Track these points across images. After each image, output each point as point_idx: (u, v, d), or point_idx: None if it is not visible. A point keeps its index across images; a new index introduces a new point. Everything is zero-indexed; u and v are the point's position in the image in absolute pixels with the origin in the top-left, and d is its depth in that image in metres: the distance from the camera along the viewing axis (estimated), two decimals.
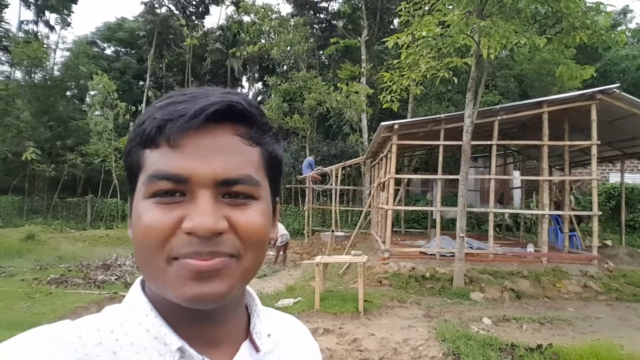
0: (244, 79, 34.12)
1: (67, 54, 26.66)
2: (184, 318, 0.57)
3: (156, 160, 0.54)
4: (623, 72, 21.88)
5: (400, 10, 9.14)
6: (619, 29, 18.20)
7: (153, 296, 0.59)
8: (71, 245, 14.36)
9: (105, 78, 21.91)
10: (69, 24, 30.37)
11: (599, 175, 9.59)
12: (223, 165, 0.54)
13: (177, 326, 0.57)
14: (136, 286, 0.61)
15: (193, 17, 31.20)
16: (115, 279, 8.78)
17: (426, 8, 8.53)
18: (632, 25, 28.56)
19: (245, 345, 0.62)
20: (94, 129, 22.00)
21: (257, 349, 0.62)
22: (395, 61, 9.30)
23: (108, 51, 33.70)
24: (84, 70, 24.75)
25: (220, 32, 31.17)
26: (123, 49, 33.14)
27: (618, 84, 9.74)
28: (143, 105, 25.75)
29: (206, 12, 31.77)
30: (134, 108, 24.62)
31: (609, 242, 11.91)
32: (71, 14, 29.98)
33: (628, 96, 9.42)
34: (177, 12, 28.27)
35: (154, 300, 0.58)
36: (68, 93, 26.93)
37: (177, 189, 0.54)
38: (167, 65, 30.24)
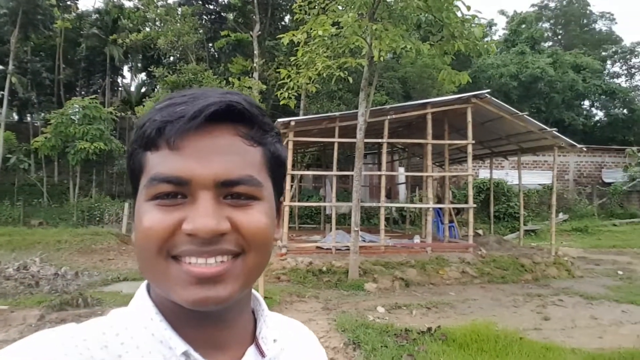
0: (126, 68, 31.89)
1: None
2: (189, 321, 0.57)
3: (157, 162, 0.54)
4: (489, 79, 24.57)
5: (294, 7, 9.23)
6: (487, 39, 20.36)
7: (158, 299, 0.58)
8: None
9: None
10: None
11: (472, 171, 10.63)
12: (223, 166, 0.54)
13: (183, 330, 0.57)
14: (142, 289, 0.61)
15: None
16: None
17: (320, 7, 8.72)
18: (496, 37, 32.20)
19: (251, 350, 0.62)
20: None
21: (262, 354, 0.62)
22: (292, 58, 9.37)
23: None
24: None
25: (98, 16, 28.61)
26: None
27: (488, 90, 10.88)
28: (5, 92, 22.70)
29: None
30: None
31: (480, 232, 13.30)
32: None
33: (496, 101, 10.60)
34: None
35: (159, 303, 0.58)
36: None
37: (178, 191, 0.53)
38: (34, 48, 26.94)
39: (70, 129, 18.07)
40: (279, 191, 0.63)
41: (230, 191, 0.54)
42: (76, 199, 20.30)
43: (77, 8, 29.10)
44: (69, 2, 28.01)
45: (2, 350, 0.50)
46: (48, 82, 27.06)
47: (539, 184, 20.81)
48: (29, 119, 29.59)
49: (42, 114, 26.38)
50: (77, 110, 18.89)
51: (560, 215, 19.11)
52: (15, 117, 31.71)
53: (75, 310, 6.29)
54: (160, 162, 0.54)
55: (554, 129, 10.99)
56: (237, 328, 0.62)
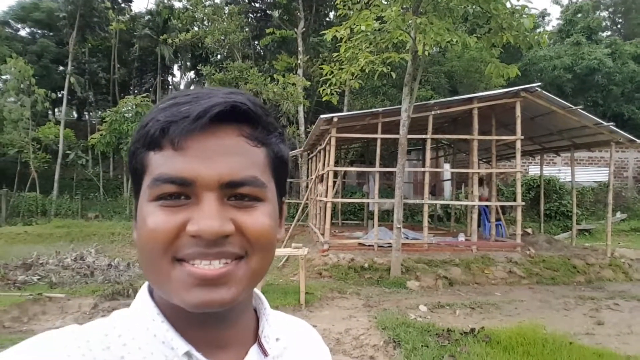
0: (176, 67, 32.92)
1: None
2: (191, 322, 0.57)
3: (160, 162, 0.54)
4: (541, 72, 23.53)
5: (338, 3, 9.19)
6: (538, 30, 19.52)
7: (160, 300, 0.58)
8: None
9: (20, 62, 20.20)
10: None
11: (521, 168, 10.25)
12: (228, 167, 0.54)
13: (185, 330, 0.56)
14: (143, 290, 0.61)
15: (119, 0, 29.50)
16: (38, 279, 8.15)
17: (364, 2, 8.64)
18: (549, 28, 30.81)
19: (254, 349, 0.61)
20: (7, 117, 20.22)
21: (265, 352, 0.61)
22: (335, 54, 9.34)
23: (23, 32, 30.99)
24: None
25: (150, 17, 29.70)
26: (40, 31, 30.59)
27: (539, 83, 10.42)
28: (65, 92, 24.01)
29: None
30: (54, 95, 22.87)
31: (529, 230, 12.81)
32: None
33: (547, 94, 10.13)
34: None
35: (160, 304, 0.58)
36: None
37: (181, 192, 0.53)
38: (91, 50, 28.35)
39: (124, 126, 18.87)
40: (281, 191, 0.63)
41: (234, 192, 0.54)
42: (129, 193, 21.20)
43: (131, 10, 30.34)
44: (123, 5, 29.24)
45: (6, 350, 0.50)
46: (104, 81, 28.41)
47: (595, 181, 19.78)
48: (86, 117, 31.18)
49: (99, 112, 27.71)
50: (130, 108, 19.72)
51: (618, 214, 18.10)
52: (75, 115, 33.51)
53: (126, 300, 6.57)
54: (164, 163, 0.53)
55: (611, 123, 10.39)
56: (240, 327, 0.61)
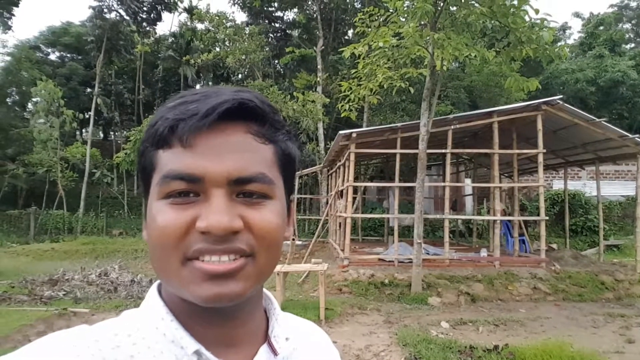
0: (198, 87, 33.57)
1: (8, 58, 25.24)
2: (201, 320, 0.57)
3: (169, 160, 0.54)
4: (563, 85, 23.23)
5: (356, 21, 9.32)
6: (559, 44, 19.34)
7: (169, 299, 0.58)
8: (13, 260, 13.52)
9: (50, 84, 20.95)
10: (9, 27, 28.62)
11: (544, 182, 10.07)
12: (236, 164, 0.54)
13: (194, 329, 0.56)
14: (153, 290, 0.61)
15: (144, 24, 30.39)
16: (64, 295, 8.31)
17: (381, 19, 8.74)
18: (570, 41, 30.49)
19: (264, 348, 0.61)
20: (37, 138, 20.94)
21: (275, 352, 0.61)
22: (353, 71, 9.44)
23: (53, 56, 32.21)
24: (26, 76, 23.55)
25: (173, 39, 30.58)
26: (69, 55, 31.75)
27: (561, 96, 10.28)
28: (92, 113, 24.73)
29: (158, 18, 31.04)
30: (81, 116, 23.60)
31: (554, 246, 12.52)
32: (12, 17, 28.35)
33: (570, 107, 9.99)
34: (127, 18, 27.43)
35: (169, 303, 0.58)
36: (8, 100, 25.55)
37: (190, 189, 0.53)
38: (117, 71, 29.25)
39: None
40: (289, 189, 0.63)
41: (242, 189, 0.54)
42: None
43: (155, 33, 31.26)
44: (147, 28, 30.16)
45: (16, 351, 0.50)
46: (129, 102, 29.21)
47: (622, 196, 19.26)
48: (112, 136, 32.01)
49: (124, 132, 28.44)
50: None
51: None
52: (101, 135, 34.44)
53: None
54: (172, 160, 0.53)
55: (637, 135, 10.17)
56: (249, 326, 0.61)
